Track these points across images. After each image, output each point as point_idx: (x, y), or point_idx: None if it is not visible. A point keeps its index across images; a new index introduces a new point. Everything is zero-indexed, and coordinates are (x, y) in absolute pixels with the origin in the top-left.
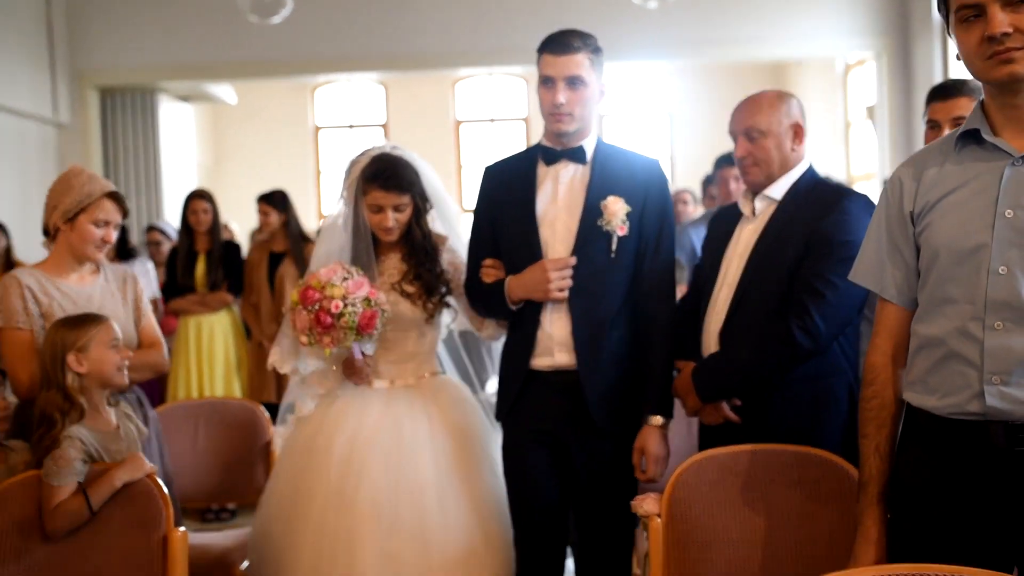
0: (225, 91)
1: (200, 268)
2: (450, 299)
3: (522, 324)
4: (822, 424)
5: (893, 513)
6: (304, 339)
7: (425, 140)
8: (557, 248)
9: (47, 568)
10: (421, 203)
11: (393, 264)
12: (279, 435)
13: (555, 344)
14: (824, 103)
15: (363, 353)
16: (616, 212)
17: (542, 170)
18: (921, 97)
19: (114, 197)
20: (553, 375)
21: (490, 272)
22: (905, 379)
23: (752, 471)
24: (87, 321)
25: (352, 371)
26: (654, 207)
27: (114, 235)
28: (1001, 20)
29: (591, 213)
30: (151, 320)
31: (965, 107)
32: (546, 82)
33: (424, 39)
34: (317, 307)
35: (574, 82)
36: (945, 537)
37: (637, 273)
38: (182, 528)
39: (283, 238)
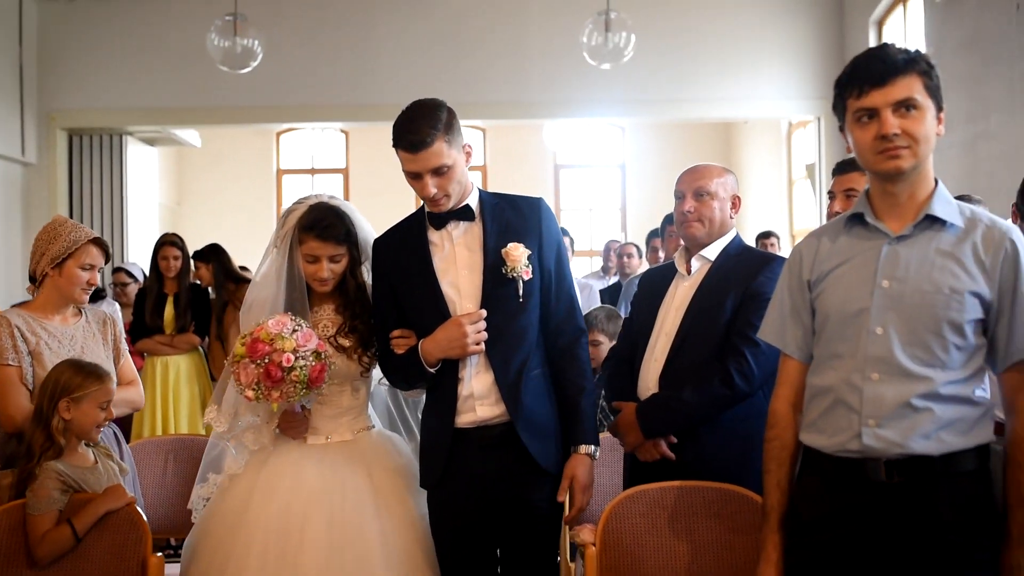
0: (190, 135)
1: (169, 310)
2: None
3: (441, 384)
4: (750, 461)
5: (789, 538)
6: (250, 394)
7: (385, 187)
8: (464, 305)
9: None
10: (357, 254)
11: (327, 316)
12: (197, 495)
13: (476, 399)
14: (769, 161)
15: (303, 407)
16: (519, 258)
17: (433, 234)
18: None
19: (98, 243)
20: (479, 431)
21: (401, 343)
22: (802, 423)
23: (678, 505)
24: (91, 375)
25: (291, 425)
26: (549, 244)
27: (98, 278)
28: (892, 123)
29: (491, 262)
30: (128, 360)
31: (857, 181)
32: (412, 176)
33: (385, 91)
34: (267, 360)
35: (439, 171)
36: (833, 557)
37: (544, 311)
38: (159, 553)
39: (222, 287)
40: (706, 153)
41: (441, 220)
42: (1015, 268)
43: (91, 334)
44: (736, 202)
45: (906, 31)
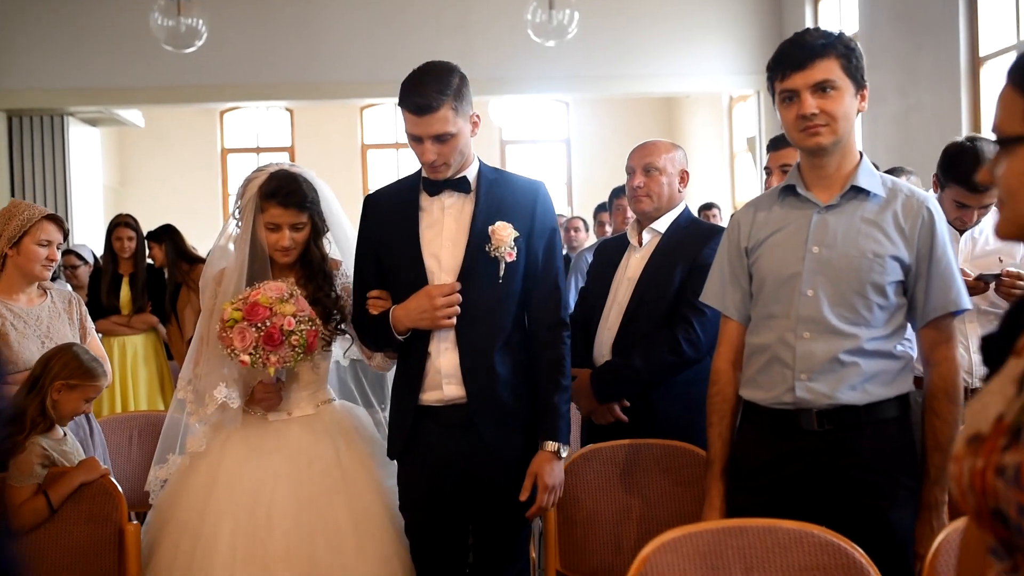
0: (133, 114)
1: (124, 291)
2: (344, 326)
3: (410, 357)
4: (698, 420)
5: (731, 484)
6: (246, 358)
7: (331, 165)
8: (443, 277)
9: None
10: (320, 223)
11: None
12: (155, 476)
13: (443, 377)
14: (712, 134)
15: (277, 379)
16: (504, 238)
17: (425, 200)
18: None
19: (53, 219)
20: (444, 410)
21: (377, 303)
22: (741, 379)
23: (629, 462)
24: (92, 371)
25: (267, 396)
26: (541, 230)
27: (58, 254)
28: (810, 103)
29: (477, 239)
30: (95, 338)
31: (791, 156)
32: (414, 139)
33: (331, 70)
34: (268, 324)
35: (442, 138)
36: (770, 500)
37: (525, 298)
38: (135, 521)
39: (175, 267)
40: (649, 127)
41: (436, 188)
42: (931, 234)
43: (56, 314)
44: (684, 177)
45: (840, 6)
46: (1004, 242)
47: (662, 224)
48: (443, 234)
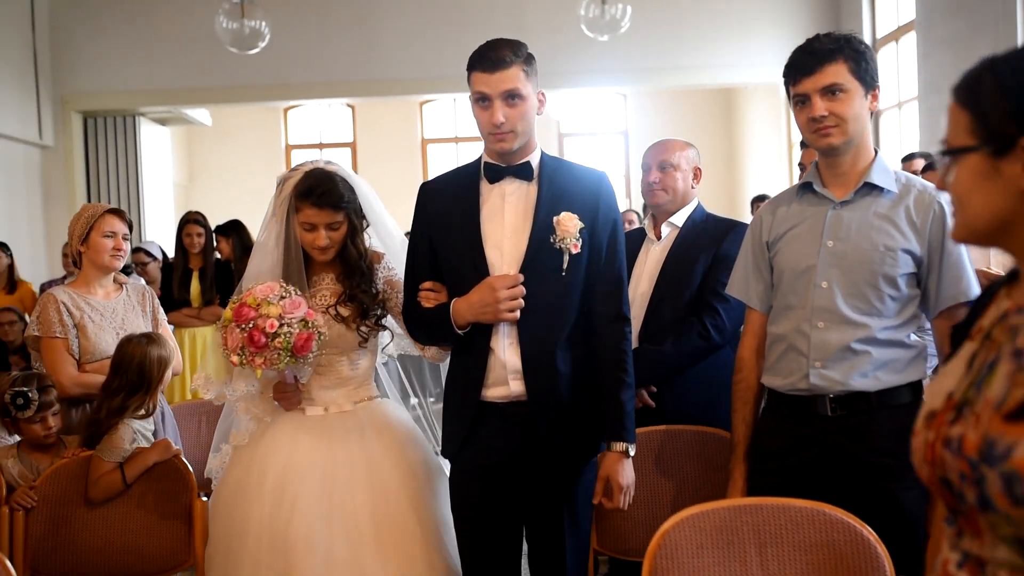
0: (201, 114)
1: (195, 285)
2: (387, 320)
3: (470, 350)
4: (718, 403)
5: (753, 466)
6: (235, 359)
7: (392, 159)
8: (505, 269)
9: (97, 530)
10: (357, 220)
11: (326, 285)
12: (213, 464)
13: (509, 372)
14: (770, 125)
15: (296, 378)
16: (570, 229)
17: (486, 188)
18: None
19: (115, 212)
20: (509, 407)
21: (430, 296)
22: (764, 367)
23: (663, 446)
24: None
25: (283, 396)
26: (604, 221)
27: (125, 245)
28: (820, 106)
29: (541, 230)
30: (167, 328)
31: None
32: (481, 100)
33: (389, 67)
34: (251, 325)
35: (511, 97)
36: (789, 480)
37: (587, 291)
38: (204, 497)
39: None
40: (707, 118)
41: (497, 173)
42: (942, 227)
43: (131, 307)
44: (698, 174)
45: None
46: None
47: (679, 218)
48: (505, 223)
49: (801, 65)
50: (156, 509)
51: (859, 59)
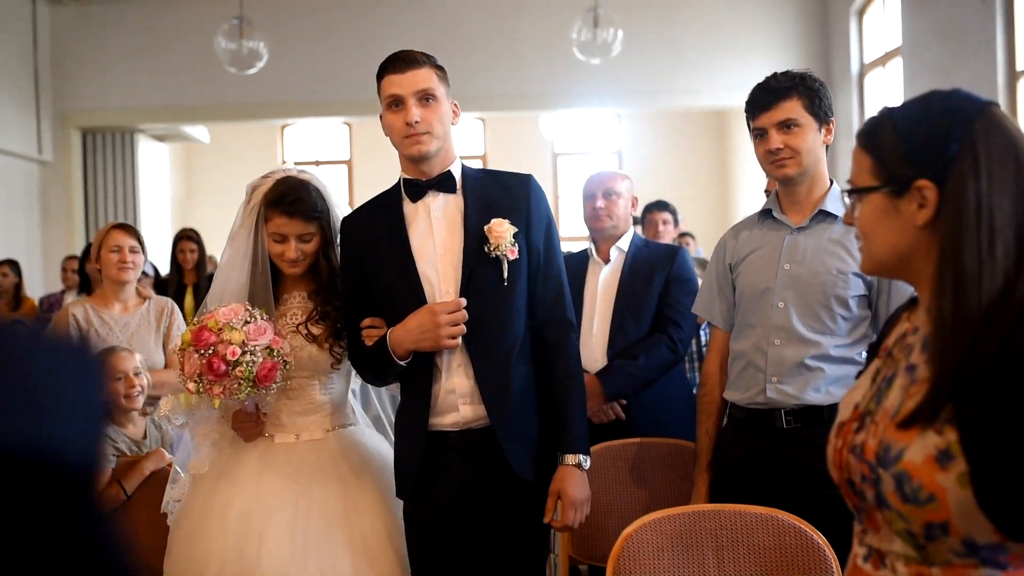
0: (199, 131)
1: (188, 300)
2: None
3: (414, 380)
4: (674, 413)
5: (715, 475)
6: (191, 386)
7: (388, 177)
8: (443, 288)
9: None
10: (330, 234)
11: (296, 303)
12: (169, 497)
13: (459, 397)
14: None
15: (257, 408)
16: (503, 234)
17: (409, 208)
18: (842, 143)
19: (120, 226)
20: (461, 435)
21: (372, 333)
22: (727, 382)
23: (637, 458)
24: (104, 355)
25: (242, 426)
26: (537, 223)
27: (132, 257)
28: (776, 139)
29: (474, 239)
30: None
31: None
32: (394, 104)
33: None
34: (211, 351)
35: (426, 97)
36: (749, 488)
37: (531, 298)
38: None
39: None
40: (700, 139)
41: (419, 190)
42: None
43: (146, 321)
44: (634, 202)
45: (886, 20)
46: None
47: (624, 243)
48: (436, 240)
49: (759, 101)
50: (148, 517)
51: (813, 96)
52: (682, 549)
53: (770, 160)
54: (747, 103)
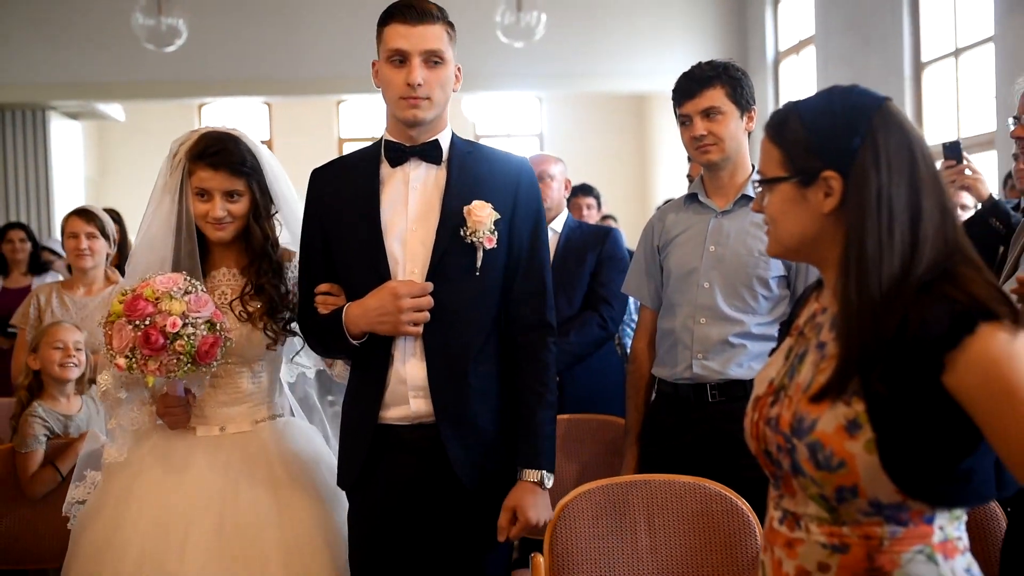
0: (114, 109)
1: None
2: (294, 325)
3: (367, 365)
4: (602, 388)
5: (644, 448)
6: (122, 361)
7: (309, 157)
8: (408, 267)
9: (29, 522)
10: (262, 199)
11: (225, 280)
12: (71, 498)
13: (411, 389)
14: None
15: (187, 392)
16: (483, 219)
17: (387, 171)
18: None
19: (76, 212)
20: (410, 430)
21: (327, 301)
22: (655, 359)
23: (567, 433)
24: (44, 328)
25: (170, 411)
26: (525, 212)
27: (88, 243)
28: (700, 126)
29: (450, 221)
30: None
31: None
32: (395, 58)
33: (308, 65)
34: (147, 323)
35: (433, 59)
36: (673, 458)
37: (506, 293)
38: None
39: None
40: (619, 123)
41: (400, 155)
42: None
43: (105, 303)
44: (567, 185)
45: (799, 10)
46: None
47: (558, 224)
48: (409, 213)
49: (684, 89)
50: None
51: (735, 85)
52: (616, 516)
53: (695, 146)
54: (673, 91)
